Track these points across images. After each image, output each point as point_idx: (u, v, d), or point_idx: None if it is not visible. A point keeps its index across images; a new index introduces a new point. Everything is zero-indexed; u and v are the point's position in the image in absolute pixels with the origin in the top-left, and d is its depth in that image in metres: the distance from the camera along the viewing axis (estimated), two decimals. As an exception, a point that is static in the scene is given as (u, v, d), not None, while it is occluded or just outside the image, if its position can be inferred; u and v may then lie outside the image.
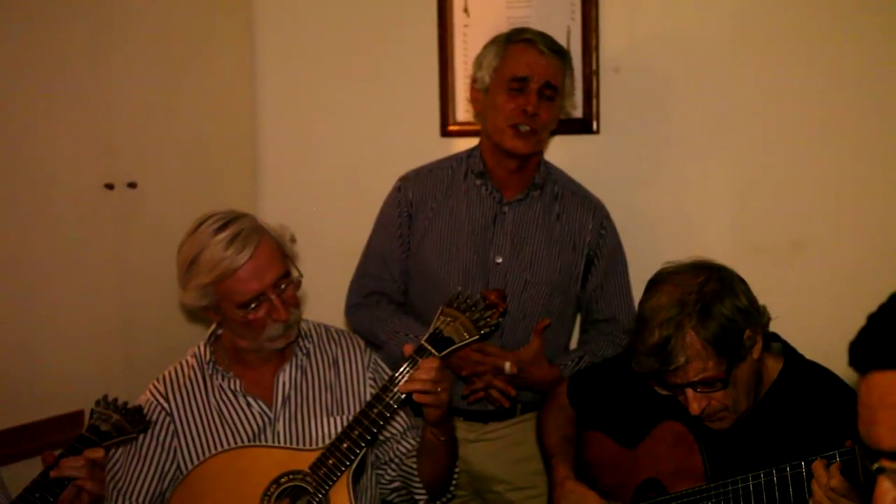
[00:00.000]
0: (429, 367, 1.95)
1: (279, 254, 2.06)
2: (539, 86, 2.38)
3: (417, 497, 2.17)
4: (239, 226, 2.02)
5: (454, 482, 2.21)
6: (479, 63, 2.47)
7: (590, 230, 2.49)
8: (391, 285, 2.56)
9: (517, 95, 2.38)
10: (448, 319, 2.04)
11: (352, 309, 2.60)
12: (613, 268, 2.53)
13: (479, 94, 2.47)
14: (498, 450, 2.50)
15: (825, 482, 1.60)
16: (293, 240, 2.13)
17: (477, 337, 2.05)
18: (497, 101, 2.40)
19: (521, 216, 2.48)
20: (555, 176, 2.54)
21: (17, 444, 2.27)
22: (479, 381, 2.37)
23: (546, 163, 2.54)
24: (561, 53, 2.44)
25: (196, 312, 2.16)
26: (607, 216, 2.54)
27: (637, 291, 2.36)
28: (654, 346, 1.79)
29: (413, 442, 2.18)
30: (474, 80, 2.49)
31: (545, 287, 2.46)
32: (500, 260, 2.46)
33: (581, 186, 2.57)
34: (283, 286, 2.04)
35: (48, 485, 1.79)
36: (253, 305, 2.01)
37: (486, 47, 2.48)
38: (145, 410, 2.08)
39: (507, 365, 2.35)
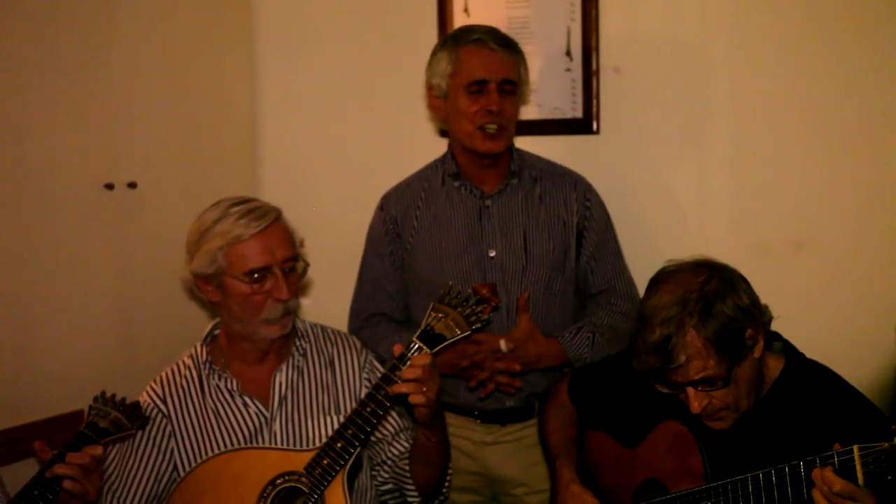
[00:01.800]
0: (418, 365, 1.94)
1: (291, 238, 2.12)
2: (497, 84, 2.38)
3: (410, 499, 2.16)
4: (257, 203, 2.12)
5: (447, 485, 2.20)
6: (432, 70, 2.46)
7: (574, 201, 2.49)
8: (389, 304, 2.57)
9: (478, 97, 2.38)
10: (439, 315, 2.03)
11: (355, 333, 2.58)
12: (604, 237, 2.53)
13: (439, 101, 2.47)
14: (516, 452, 2.49)
15: (827, 490, 1.60)
16: (301, 244, 2.16)
17: (468, 333, 2.04)
18: (459, 105, 2.40)
19: (505, 206, 2.49)
20: (530, 161, 2.55)
21: (16, 444, 2.27)
22: (482, 372, 2.37)
23: (517, 150, 2.55)
24: (511, 46, 2.44)
25: (195, 292, 2.16)
26: (589, 188, 2.54)
27: (640, 290, 2.36)
28: (655, 344, 1.79)
29: (406, 444, 2.18)
30: (430, 88, 2.48)
31: (543, 270, 2.46)
32: (493, 254, 2.46)
33: (558, 165, 2.57)
34: (289, 267, 2.09)
35: (47, 482, 1.79)
36: (256, 276, 2.04)
37: (435, 54, 2.48)
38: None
39: (502, 343, 2.35)
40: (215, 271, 2.06)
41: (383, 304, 2.58)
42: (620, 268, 2.54)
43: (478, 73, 2.38)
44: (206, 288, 2.10)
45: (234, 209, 2.07)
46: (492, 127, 2.38)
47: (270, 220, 2.08)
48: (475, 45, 2.40)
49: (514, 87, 2.41)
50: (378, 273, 2.57)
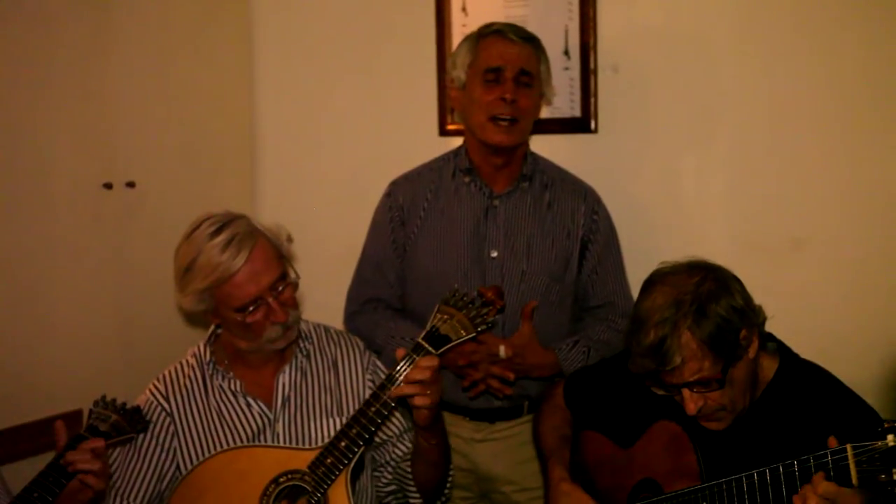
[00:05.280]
0: (423, 367, 1.94)
1: (275, 256, 2.06)
2: (514, 74, 2.39)
3: (412, 500, 2.17)
4: (234, 229, 2.01)
5: (448, 485, 2.22)
6: (453, 62, 2.49)
7: (582, 214, 2.50)
8: (387, 291, 2.57)
9: (494, 86, 2.38)
10: (445, 317, 2.04)
11: (350, 317, 2.60)
12: (608, 252, 2.53)
13: (458, 93, 2.48)
14: (505, 449, 2.50)
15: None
16: (290, 239, 2.12)
17: (474, 334, 2.05)
18: (474, 95, 2.41)
19: (512, 208, 2.49)
20: (542, 166, 2.55)
21: (16, 443, 2.28)
22: (477, 373, 2.37)
23: (532, 153, 2.55)
24: (532, 40, 2.45)
25: (195, 315, 2.16)
26: (598, 200, 2.54)
27: (634, 291, 2.36)
28: (650, 346, 1.79)
29: (409, 445, 2.18)
30: (451, 80, 2.50)
31: (543, 277, 2.46)
32: (494, 254, 2.46)
33: (570, 174, 2.58)
34: (280, 288, 2.04)
35: (47, 483, 1.80)
36: (250, 309, 2.02)
37: (458, 46, 2.51)
38: (145, 410, 2.09)
39: (502, 348, 2.35)
40: (207, 307, 2.05)
41: (381, 291, 2.57)
42: (621, 284, 2.54)
43: (494, 60, 2.39)
44: (205, 316, 2.11)
45: (214, 241, 1.98)
46: (504, 117, 2.37)
47: (250, 249, 1.99)
48: (495, 35, 2.43)
49: (530, 79, 2.41)
50: (379, 258, 2.57)
